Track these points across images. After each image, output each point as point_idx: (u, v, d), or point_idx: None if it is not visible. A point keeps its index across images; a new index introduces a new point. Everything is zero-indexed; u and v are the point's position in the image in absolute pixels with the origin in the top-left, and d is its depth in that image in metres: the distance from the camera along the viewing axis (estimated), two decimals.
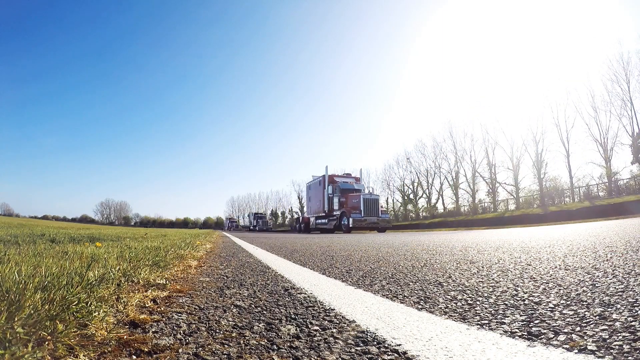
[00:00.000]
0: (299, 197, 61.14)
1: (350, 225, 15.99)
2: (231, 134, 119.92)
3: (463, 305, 1.30)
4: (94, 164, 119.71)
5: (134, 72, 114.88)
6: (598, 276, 1.67)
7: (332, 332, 1.04)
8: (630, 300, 1.21)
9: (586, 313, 1.09)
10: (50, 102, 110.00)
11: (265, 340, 0.98)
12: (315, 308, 1.33)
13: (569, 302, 1.23)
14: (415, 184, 42.34)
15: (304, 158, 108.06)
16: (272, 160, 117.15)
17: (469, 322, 1.08)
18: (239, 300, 1.49)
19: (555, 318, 1.06)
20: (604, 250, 2.69)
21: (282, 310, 1.32)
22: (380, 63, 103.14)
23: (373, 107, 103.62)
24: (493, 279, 1.77)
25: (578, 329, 0.96)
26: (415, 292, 1.57)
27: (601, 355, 0.77)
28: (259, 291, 1.69)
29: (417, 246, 4.29)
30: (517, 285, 1.58)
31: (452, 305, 1.30)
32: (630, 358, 0.75)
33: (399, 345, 0.90)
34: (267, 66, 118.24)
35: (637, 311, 1.07)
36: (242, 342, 0.97)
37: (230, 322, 1.15)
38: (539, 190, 31.63)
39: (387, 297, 1.48)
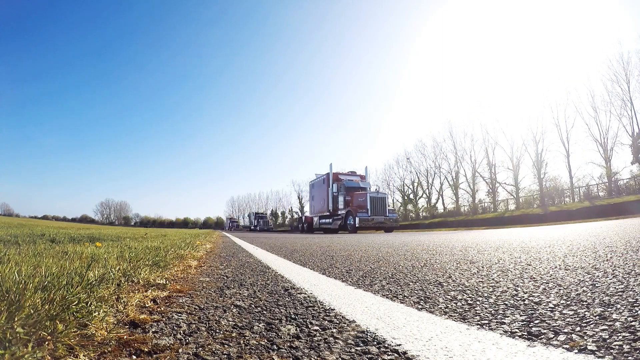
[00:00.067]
0: (299, 197, 61.11)
1: (357, 225, 15.28)
2: (231, 134, 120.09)
3: (463, 305, 1.30)
4: (94, 164, 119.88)
5: (134, 72, 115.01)
6: (598, 276, 1.67)
7: (332, 332, 1.04)
8: (630, 300, 1.21)
9: (586, 313, 1.09)
10: (50, 102, 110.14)
11: (265, 340, 0.98)
12: (315, 308, 1.33)
13: (569, 302, 1.23)
14: (415, 184, 42.36)
15: (304, 158, 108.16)
16: (272, 160, 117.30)
17: (469, 322, 1.08)
18: (239, 300, 1.49)
19: (555, 318, 1.06)
20: (604, 250, 2.69)
21: (282, 310, 1.32)
22: (380, 63, 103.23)
23: (373, 107, 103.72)
24: (493, 279, 1.77)
25: (578, 329, 0.96)
26: (415, 292, 1.57)
27: (601, 355, 0.77)
28: (259, 291, 1.69)
29: (417, 246, 4.29)
30: (517, 285, 1.58)
31: (452, 305, 1.30)
32: (630, 358, 0.75)
33: (399, 345, 0.90)
34: (267, 66, 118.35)
35: (637, 311, 1.07)
36: (242, 342, 0.97)
37: (230, 322, 1.15)
38: (539, 190, 31.62)
39: (387, 297, 1.48)
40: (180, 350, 0.90)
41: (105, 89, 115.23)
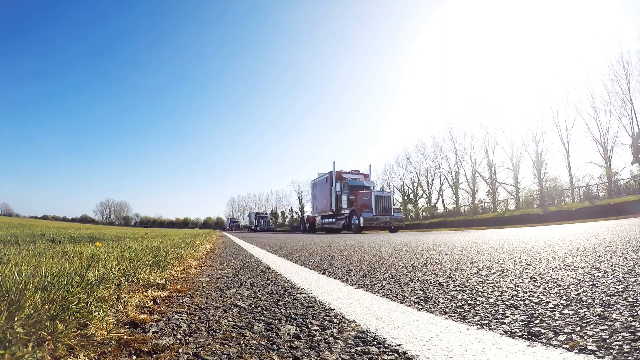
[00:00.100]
0: (299, 197, 61.10)
1: (362, 225, 14.82)
2: (231, 134, 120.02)
3: (463, 305, 1.30)
4: (94, 164, 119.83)
5: (134, 72, 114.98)
6: (598, 276, 1.67)
7: (332, 332, 1.04)
8: (630, 300, 1.21)
9: (586, 313, 1.09)
10: (50, 102, 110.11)
11: (265, 340, 0.98)
12: (315, 308, 1.33)
13: (569, 302, 1.23)
14: (415, 184, 42.36)
15: (304, 158, 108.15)
16: (272, 160, 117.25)
17: (469, 322, 1.08)
18: (239, 300, 1.49)
19: (555, 318, 1.06)
20: (604, 250, 2.69)
21: (282, 310, 1.32)
22: (380, 63, 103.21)
23: (373, 107, 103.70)
24: (493, 279, 1.77)
25: (578, 329, 0.96)
26: (415, 292, 1.57)
27: (601, 355, 0.77)
28: (259, 291, 1.69)
29: (417, 246, 4.29)
30: (517, 285, 1.58)
31: (452, 305, 1.30)
32: (630, 358, 0.75)
33: (399, 345, 0.90)
34: (267, 66, 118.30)
35: (637, 311, 1.07)
36: (242, 342, 0.97)
37: (230, 322, 1.15)
38: (539, 190, 31.63)
39: (387, 297, 1.48)
40: (180, 350, 0.90)
41: (105, 89, 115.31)
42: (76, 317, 0.97)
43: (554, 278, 1.70)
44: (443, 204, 40.08)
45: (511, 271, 1.98)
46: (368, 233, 13.59)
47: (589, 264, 2.07)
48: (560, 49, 45.16)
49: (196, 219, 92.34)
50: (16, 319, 0.84)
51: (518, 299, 1.34)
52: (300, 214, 60.45)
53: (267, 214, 58.84)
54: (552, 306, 1.20)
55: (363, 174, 19.57)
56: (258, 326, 1.11)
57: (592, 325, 0.97)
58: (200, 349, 0.91)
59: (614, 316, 1.04)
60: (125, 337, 0.97)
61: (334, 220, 17.91)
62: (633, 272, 1.72)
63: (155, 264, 2.24)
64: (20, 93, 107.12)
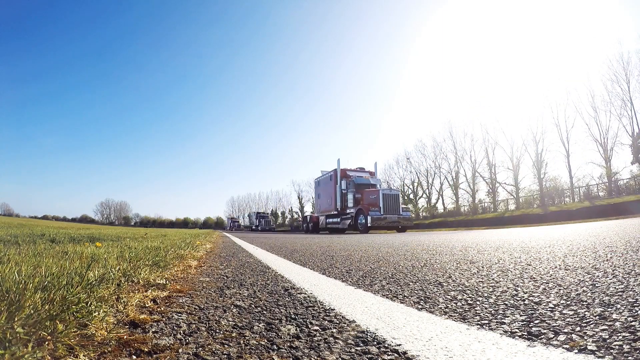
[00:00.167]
0: (299, 197, 61.07)
1: (369, 225, 14.14)
2: (231, 134, 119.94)
3: (463, 305, 1.30)
4: (94, 164, 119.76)
5: (134, 72, 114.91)
6: (598, 276, 1.67)
7: (332, 332, 1.04)
8: (630, 300, 1.21)
9: (586, 313, 1.09)
10: (50, 102, 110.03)
11: (265, 340, 0.98)
12: (315, 308, 1.33)
13: (569, 302, 1.23)
14: (415, 184, 42.36)
15: (304, 158, 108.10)
16: (272, 160, 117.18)
17: (469, 322, 1.08)
18: (239, 300, 1.49)
19: (555, 318, 1.06)
20: (604, 250, 2.69)
21: (282, 310, 1.32)
22: (380, 63, 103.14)
23: (373, 107, 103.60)
24: (493, 279, 1.77)
25: (578, 329, 0.96)
26: (415, 292, 1.57)
27: (601, 355, 0.77)
28: (259, 291, 1.69)
29: (417, 246, 4.29)
30: (517, 285, 1.58)
31: (452, 305, 1.30)
32: (630, 358, 0.75)
33: (399, 345, 0.90)
34: (267, 66, 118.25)
35: (637, 311, 1.07)
36: (242, 342, 0.97)
37: (230, 322, 1.15)
38: (539, 190, 31.63)
39: (387, 297, 1.48)
40: (180, 350, 0.90)
41: (105, 89, 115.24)
42: (76, 317, 0.97)
43: (554, 278, 1.70)
44: (443, 204, 40.11)
45: (511, 271, 1.98)
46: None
47: (589, 264, 2.07)
48: (560, 49, 45.18)
49: (196, 219, 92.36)
50: (16, 319, 0.84)
51: (518, 299, 1.34)
52: (300, 214, 60.42)
53: (268, 213, 57.87)
54: (552, 306, 1.20)
55: (369, 172, 18.84)
56: (258, 326, 1.11)
57: (592, 325, 0.97)
58: (200, 349, 0.91)
59: (614, 316, 1.04)
60: (125, 337, 0.97)
61: (338, 219, 17.25)
62: (633, 272, 1.72)
63: (155, 264, 2.24)
64: (20, 93, 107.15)
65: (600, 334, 0.90)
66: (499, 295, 1.41)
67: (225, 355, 0.87)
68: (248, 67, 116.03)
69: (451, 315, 1.16)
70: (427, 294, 1.52)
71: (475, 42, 72.95)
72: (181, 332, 1.05)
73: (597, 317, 1.05)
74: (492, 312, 1.18)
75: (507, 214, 26.73)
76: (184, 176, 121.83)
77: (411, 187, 42.67)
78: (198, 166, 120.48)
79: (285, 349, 0.91)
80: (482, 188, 37.15)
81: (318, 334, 1.02)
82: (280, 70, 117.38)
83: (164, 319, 1.18)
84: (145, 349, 0.90)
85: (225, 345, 0.94)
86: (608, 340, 0.85)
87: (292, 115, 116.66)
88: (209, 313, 1.27)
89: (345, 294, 1.56)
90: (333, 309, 1.30)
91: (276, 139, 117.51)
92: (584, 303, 1.21)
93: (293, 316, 1.23)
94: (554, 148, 31.36)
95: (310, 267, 2.59)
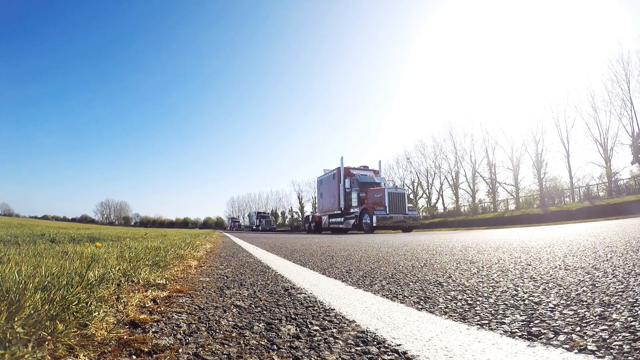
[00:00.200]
0: (299, 197, 61.06)
1: (374, 224, 13.68)
2: (231, 134, 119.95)
3: (463, 305, 1.30)
4: (94, 164, 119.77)
5: (134, 72, 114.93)
6: (598, 276, 1.67)
7: (332, 332, 1.04)
8: (630, 300, 1.21)
9: (586, 313, 1.09)
10: (50, 102, 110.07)
11: (265, 340, 0.98)
12: (315, 308, 1.33)
13: (569, 302, 1.23)
14: (415, 184, 42.36)
15: (304, 158, 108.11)
16: (272, 160, 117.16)
17: (469, 322, 1.08)
18: (239, 300, 1.49)
19: (555, 318, 1.06)
20: (604, 250, 2.69)
21: (282, 310, 1.32)
22: (380, 63, 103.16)
23: (373, 107, 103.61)
24: (493, 279, 1.77)
25: (578, 329, 0.96)
26: (415, 292, 1.57)
27: (601, 355, 0.77)
28: (259, 291, 1.69)
29: (417, 246, 4.29)
30: (517, 285, 1.58)
31: (452, 305, 1.30)
32: (630, 358, 0.75)
33: (399, 345, 0.90)
34: (267, 66, 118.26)
35: (637, 311, 1.07)
36: (242, 342, 0.97)
37: (230, 322, 1.15)
38: (539, 190, 31.63)
39: (387, 297, 1.48)
40: (180, 350, 0.90)
41: (105, 89, 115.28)
42: (76, 317, 0.97)
43: (554, 278, 1.70)
44: (443, 204, 40.13)
45: (511, 271, 1.98)
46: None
47: (589, 264, 2.07)
48: (560, 49, 45.17)
49: (196, 219, 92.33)
50: (16, 319, 0.84)
51: (518, 299, 1.34)
52: (300, 214, 60.39)
53: (268, 213, 57.08)
54: (552, 306, 1.20)
55: (372, 170, 18.31)
56: (258, 326, 1.11)
57: (592, 325, 0.97)
58: (200, 349, 0.91)
59: (614, 316, 1.04)
60: (125, 337, 0.97)
61: (342, 219, 16.74)
62: (633, 272, 1.72)
63: (155, 264, 2.24)
64: (20, 93, 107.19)
65: (600, 334, 0.90)
66: (499, 295, 1.41)
67: (225, 355, 0.87)
68: (248, 67, 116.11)
69: (451, 315, 1.16)
70: (427, 294, 1.52)
71: (475, 42, 72.99)
72: (181, 332, 1.05)
73: (597, 317, 1.05)
74: (492, 312, 1.18)
75: (507, 214, 26.74)
76: (184, 176, 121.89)
77: (411, 187, 42.66)
78: (198, 166, 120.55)
79: (285, 349, 0.91)
80: (482, 188, 37.21)
81: (318, 334, 1.02)
82: (280, 70, 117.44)
83: (164, 319, 1.18)
84: (145, 349, 0.90)
85: (225, 345, 0.94)
86: (608, 340, 0.85)
87: (292, 115, 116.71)
88: (209, 313, 1.27)
89: (345, 294, 1.56)
90: (333, 309, 1.30)
91: (276, 139, 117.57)
92: (584, 303, 1.21)
93: (293, 316, 1.23)
94: (554, 148, 31.44)
95: (310, 267, 2.59)
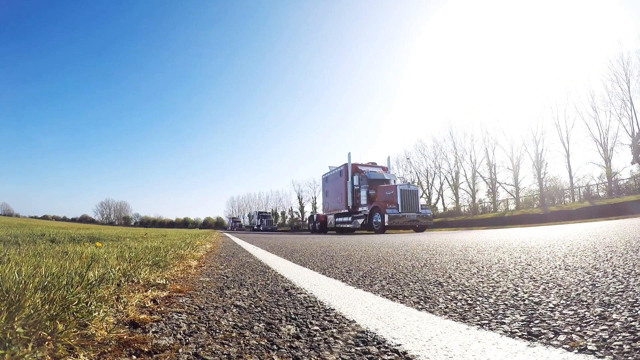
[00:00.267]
0: (299, 197, 61.11)
1: (386, 224, 12.87)
2: (231, 134, 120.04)
3: (463, 305, 1.30)
4: (94, 164, 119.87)
5: (134, 72, 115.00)
6: (598, 276, 1.67)
7: (332, 332, 1.04)
8: (630, 300, 1.21)
9: (586, 313, 1.09)
10: (50, 102, 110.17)
11: (265, 340, 0.98)
12: (315, 308, 1.33)
13: (569, 302, 1.23)
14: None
15: (304, 158, 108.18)
16: (272, 160, 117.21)
17: (469, 322, 1.08)
18: (239, 300, 1.49)
19: (555, 318, 1.06)
20: (604, 250, 2.69)
21: (282, 310, 1.32)
22: (380, 63, 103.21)
23: (373, 107, 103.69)
24: (493, 279, 1.77)
25: (578, 329, 0.96)
26: (415, 292, 1.57)
27: (601, 355, 0.77)
28: (259, 291, 1.69)
29: (417, 246, 4.29)
30: (517, 285, 1.58)
31: (452, 305, 1.30)
32: (630, 358, 0.75)
33: (399, 345, 0.90)
34: (267, 66, 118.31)
35: (637, 311, 1.07)
36: (242, 342, 0.97)
37: (230, 322, 1.15)
38: (539, 190, 31.63)
39: (387, 297, 1.48)
40: (180, 350, 0.90)
41: (105, 89, 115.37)
42: (76, 317, 0.97)
43: (554, 278, 1.70)
44: (443, 204, 40.12)
45: (511, 271, 1.98)
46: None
47: (589, 264, 2.07)
48: (560, 49, 45.17)
49: (196, 219, 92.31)
50: (16, 319, 0.84)
51: (518, 299, 1.34)
52: (300, 214, 60.40)
53: (270, 213, 56.06)
54: (552, 306, 1.20)
55: (381, 167, 17.37)
56: (258, 326, 1.11)
57: (592, 325, 0.97)
58: (200, 349, 0.91)
59: (614, 316, 1.04)
60: (125, 337, 0.97)
61: (350, 218, 15.79)
62: (633, 272, 1.72)
63: (155, 264, 2.24)
64: (20, 93, 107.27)
65: (600, 334, 0.90)
66: (499, 295, 1.41)
67: (225, 355, 0.87)
68: (248, 67, 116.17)
69: (451, 315, 1.16)
70: (427, 294, 1.52)
71: (475, 42, 72.98)
72: (181, 332, 1.05)
73: (597, 317, 1.05)
74: (492, 312, 1.18)
75: (507, 214, 26.74)
76: (184, 176, 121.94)
77: None
78: (198, 166, 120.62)
79: (285, 349, 0.91)
80: (482, 188, 37.22)
81: (318, 334, 1.02)
82: (280, 70, 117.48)
83: (164, 319, 1.18)
84: (145, 349, 0.90)
85: (225, 345, 0.94)
86: (608, 340, 0.85)
87: (292, 115, 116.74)
88: (209, 313, 1.27)
89: (345, 294, 1.56)
90: (333, 309, 1.30)
91: (276, 139, 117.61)
92: (584, 303, 1.21)
93: (293, 316, 1.23)
94: (554, 148, 31.46)
95: (310, 267, 2.59)
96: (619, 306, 1.14)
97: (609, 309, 1.11)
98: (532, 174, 32.36)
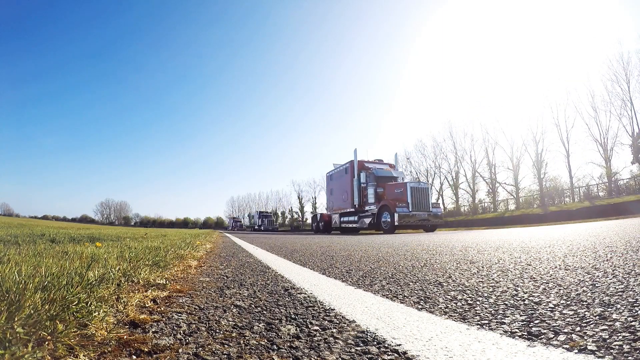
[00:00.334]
0: (299, 197, 61.18)
1: (396, 223, 12.25)
2: (231, 134, 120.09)
3: (463, 305, 1.30)
4: (94, 164, 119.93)
5: (134, 72, 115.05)
6: (598, 276, 1.67)
7: (332, 332, 1.04)
8: (630, 300, 1.21)
9: (586, 313, 1.09)
10: (50, 102, 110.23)
11: (265, 340, 0.98)
12: (315, 308, 1.33)
13: (569, 302, 1.23)
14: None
15: (304, 158, 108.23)
16: (272, 160, 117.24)
17: (469, 322, 1.08)
18: (239, 300, 1.49)
19: (555, 318, 1.06)
20: (604, 250, 2.69)
21: (282, 310, 1.32)
22: (380, 63, 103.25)
23: (373, 107, 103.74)
24: (493, 279, 1.77)
25: (578, 329, 0.96)
26: (415, 292, 1.57)
27: (601, 355, 0.77)
28: (259, 291, 1.69)
29: (417, 246, 4.29)
30: (517, 285, 1.58)
31: (452, 305, 1.30)
32: (630, 358, 0.75)
33: (399, 345, 0.90)
34: (267, 66, 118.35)
35: (637, 311, 1.07)
36: (242, 342, 0.97)
37: (230, 322, 1.15)
38: (539, 190, 31.63)
39: (387, 297, 1.48)
40: (180, 350, 0.90)
41: (105, 89, 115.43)
42: (76, 317, 0.97)
43: (554, 278, 1.70)
44: (443, 204, 40.01)
45: (511, 271, 1.98)
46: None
47: (589, 264, 2.07)
48: (560, 49, 45.18)
49: (196, 219, 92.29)
50: (16, 319, 0.84)
51: (518, 299, 1.34)
52: (300, 214, 60.40)
53: (270, 213, 55.25)
54: (552, 306, 1.20)
55: (388, 164, 16.60)
56: (258, 326, 1.11)
57: (592, 325, 0.97)
58: (200, 349, 0.91)
59: (614, 316, 1.04)
60: (125, 337, 0.97)
61: (356, 218, 15.11)
62: (633, 272, 1.72)
63: (155, 264, 2.24)
64: (20, 93, 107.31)
65: (600, 334, 0.90)
66: (499, 295, 1.41)
67: (225, 355, 0.87)
68: (248, 67, 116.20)
69: (451, 315, 1.16)
70: (427, 294, 1.52)
71: (475, 42, 72.98)
72: (181, 332, 1.05)
73: (597, 317, 1.05)
74: (492, 312, 1.18)
75: (507, 214, 26.75)
76: (184, 176, 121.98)
77: None
78: (198, 166, 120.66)
79: (285, 349, 0.91)
80: (482, 188, 37.24)
81: (318, 334, 1.02)
82: (280, 70, 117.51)
83: (164, 319, 1.18)
84: (145, 349, 0.90)
85: (225, 345, 0.94)
86: (608, 340, 0.85)
87: (292, 115, 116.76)
88: (209, 313, 1.27)
89: (345, 294, 1.56)
90: (333, 309, 1.30)
91: (276, 139, 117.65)
92: (584, 303, 1.21)
93: (293, 316, 1.23)
94: (554, 148, 31.48)
95: (310, 267, 2.59)
96: (619, 306, 1.14)
97: (609, 309, 1.11)
98: (532, 174, 32.41)
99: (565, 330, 0.95)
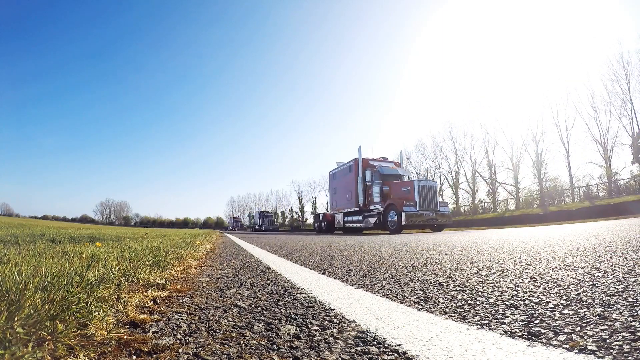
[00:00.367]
0: (299, 197, 61.17)
1: (403, 223, 11.84)
2: (231, 134, 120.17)
3: (463, 305, 1.30)
4: (94, 164, 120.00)
5: (134, 72, 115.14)
6: (598, 276, 1.67)
7: (332, 332, 1.04)
8: (630, 300, 1.21)
9: (586, 313, 1.09)
10: (50, 102, 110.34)
11: (265, 340, 0.98)
12: (315, 308, 1.33)
13: (569, 302, 1.23)
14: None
15: (304, 158, 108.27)
16: (272, 160, 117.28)
17: (469, 322, 1.08)
18: (239, 300, 1.49)
19: (555, 318, 1.06)
20: (604, 250, 2.69)
21: (282, 310, 1.32)
22: (380, 63, 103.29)
23: (373, 107, 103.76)
24: (493, 279, 1.77)
25: (578, 329, 0.96)
26: (415, 292, 1.57)
27: (601, 355, 0.77)
28: (259, 291, 1.69)
29: (417, 246, 4.29)
30: (517, 285, 1.58)
31: (452, 305, 1.30)
32: (630, 358, 0.75)
33: (399, 345, 0.90)
34: (267, 66, 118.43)
35: (637, 311, 1.07)
36: (242, 342, 0.97)
37: (230, 322, 1.15)
38: (539, 190, 31.64)
39: (387, 297, 1.48)
40: (180, 350, 0.90)
41: (105, 89, 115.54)
42: (76, 317, 0.97)
43: (554, 278, 1.70)
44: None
45: (511, 271, 1.98)
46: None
47: (589, 264, 2.07)
48: (560, 49, 45.18)
49: (196, 219, 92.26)
50: (16, 319, 0.84)
51: (518, 299, 1.34)
52: (300, 214, 60.39)
53: (271, 212, 54.90)
54: (552, 306, 1.20)
55: (393, 162, 16.07)
56: (258, 326, 1.11)
57: (592, 325, 0.97)
58: (200, 349, 0.91)
59: (614, 316, 1.04)
60: (125, 337, 0.97)
61: (360, 217, 14.66)
62: (633, 272, 1.72)
63: (155, 264, 2.24)
64: (20, 93, 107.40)
65: (600, 334, 0.90)
66: (499, 295, 1.41)
67: (225, 355, 0.87)
68: (248, 67, 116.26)
69: (451, 315, 1.16)
70: (427, 294, 1.52)
71: (475, 42, 72.99)
72: (181, 332, 1.05)
73: (597, 317, 1.05)
74: (492, 312, 1.18)
75: (507, 214, 26.75)
76: (184, 176, 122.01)
77: None
78: (198, 166, 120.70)
79: (285, 349, 0.91)
80: (482, 188, 37.26)
81: (318, 334, 1.02)
82: (280, 70, 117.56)
83: (164, 319, 1.18)
84: (145, 349, 0.90)
85: (225, 345, 0.94)
86: (608, 340, 0.85)
87: (292, 115, 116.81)
88: (209, 313, 1.27)
89: (345, 294, 1.56)
90: (333, 309, 1.30)
91: (276, 139, 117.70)
92: (584, 303, 1.21)
93: (293, 316, 1.23)
94: (554, 148, 31.50)
95: (310, 267, 2.59)
96: (619, 306, 1.14)
97: (609, 309, 1.11)
98: (532, 174, 32.42)
99: (565, 330, 0.95)
